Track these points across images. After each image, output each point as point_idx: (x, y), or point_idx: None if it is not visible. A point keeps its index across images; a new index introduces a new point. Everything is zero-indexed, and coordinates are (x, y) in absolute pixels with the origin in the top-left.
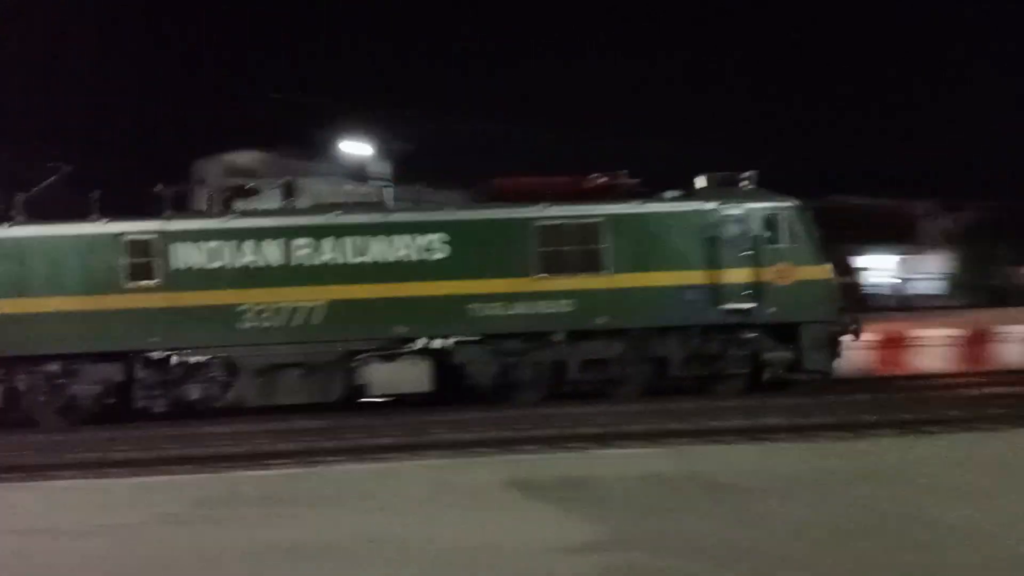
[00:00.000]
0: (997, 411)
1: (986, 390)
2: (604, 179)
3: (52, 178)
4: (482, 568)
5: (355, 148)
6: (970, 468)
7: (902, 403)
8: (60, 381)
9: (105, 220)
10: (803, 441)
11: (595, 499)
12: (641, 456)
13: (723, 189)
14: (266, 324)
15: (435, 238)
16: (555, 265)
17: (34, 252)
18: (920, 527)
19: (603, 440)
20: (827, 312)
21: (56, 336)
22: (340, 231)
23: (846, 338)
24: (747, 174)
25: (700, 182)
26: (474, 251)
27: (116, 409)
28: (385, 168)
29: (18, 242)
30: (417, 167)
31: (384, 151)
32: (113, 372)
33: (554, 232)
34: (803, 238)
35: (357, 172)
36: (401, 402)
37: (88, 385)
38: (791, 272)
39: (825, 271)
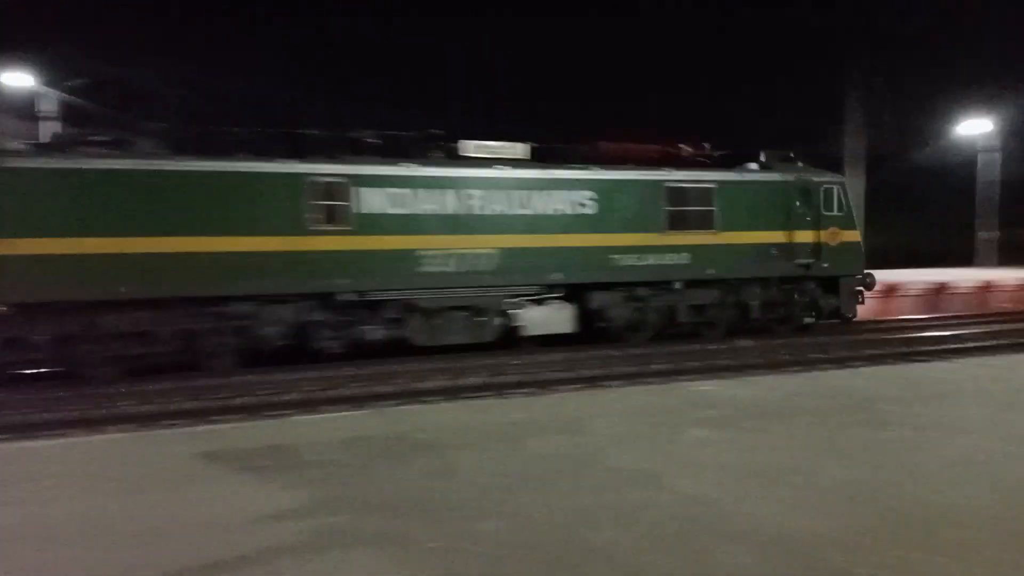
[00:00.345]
0: (658, 367)
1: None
2: (707, 148)
3: None
4: (181, 544)
5: (18, 80)
6: (640, 417)
7: (585, 362)
8: (247, 322)
9: (298, 161)
10: (501, 398)
11: (298, 465)
12: (345, 419)
13: (790, 164)
14: (442, 269)
15: (586, 195)
16: (678, 223)
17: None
18: (602, 471)
19: (308, 406)
20: (858, 268)
21: (252, 277)
22: (507, 185)
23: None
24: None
25: (763, 157)
26: (617, 208)
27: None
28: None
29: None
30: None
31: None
32: (297, 314)
33: (679, 193)
34: (845, 207)
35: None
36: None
37: (275, 327)
38: (838, 235)
39: (857, 235)
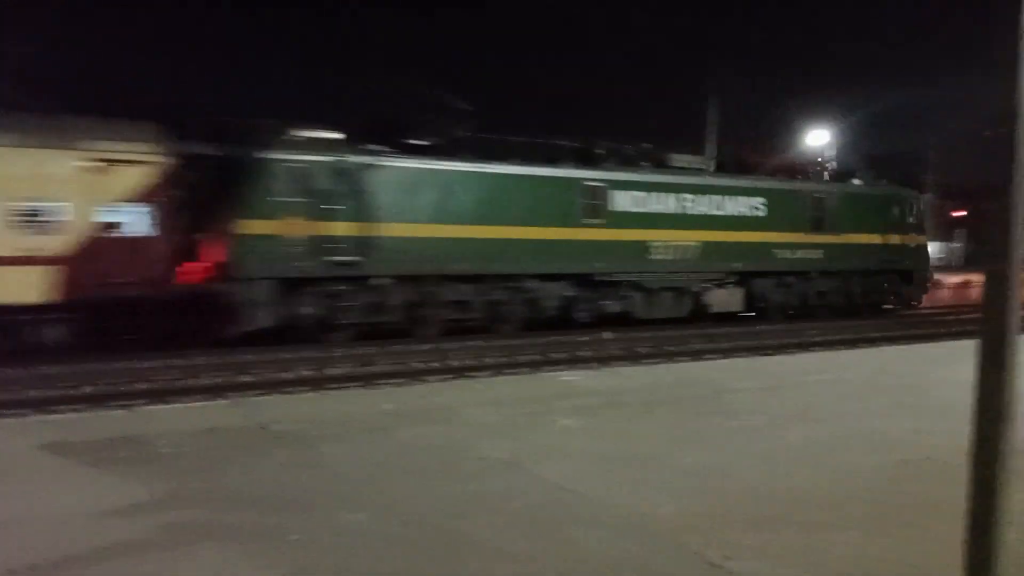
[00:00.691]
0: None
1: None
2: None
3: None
4: (16, 541)
5: None
6: (509, 407)
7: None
8: (532, 295)
9: (570, 167)
10: (368, 388)
11: (150, 457)
12: (201, 410)
13: (881, 180)
14: (662, 257)
15: (759, 200)
16: (816, 225)
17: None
18: (471, 460)
19: (159, 396)
20: (927, 265)
21: (541, 259)
22: (708, 190)
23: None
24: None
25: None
26: (778, 211)
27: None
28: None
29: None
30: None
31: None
32: (564, 289)
33: (818, 202)
34: (921, 215)
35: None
36: None
37: (551, 300)
38: (916, 238)
39: (925, 238)
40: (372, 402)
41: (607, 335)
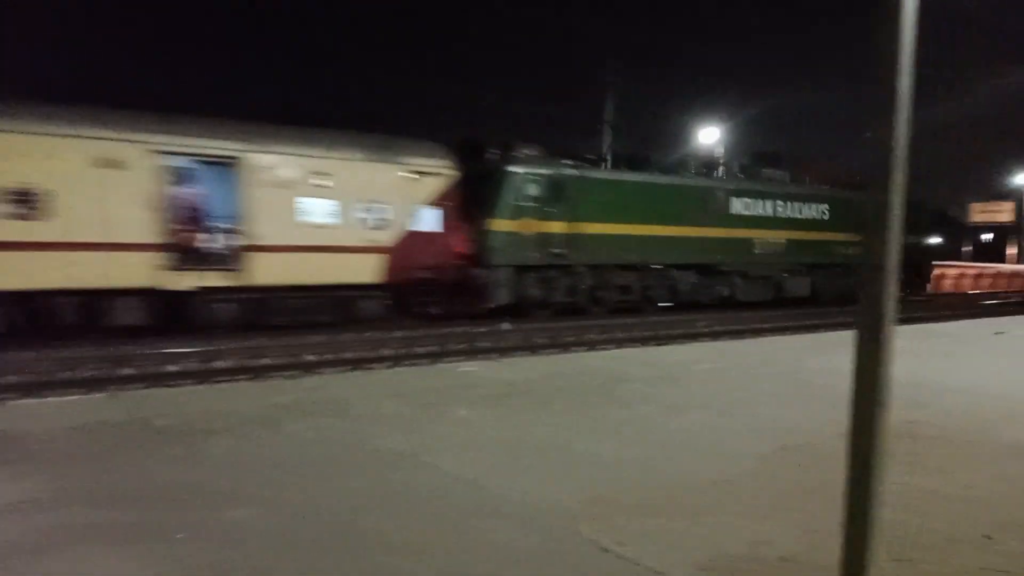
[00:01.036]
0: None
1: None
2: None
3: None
4: None
5: None
6: (406, 399)
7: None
8: (673, 281)
9: (691, 174)
10: (258, 381)
11: (21, 455)
12: (78, 404)
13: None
14: (760, 251)
15: (824, 207)
16: (860, 227)
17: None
18: (367, 453)
19: (32, 389)
20: (931, 260)
21: (682, 252)
22: (791, 197)
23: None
24: None
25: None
26: (837, 215)
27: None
28: None
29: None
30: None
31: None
32: (692, 277)
33: (860, 207)
34: (927, 219)
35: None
36: None
37: (684, 285)
38: (931, 237)
39: (931, 238)
40: (262, 395)
41: (505, 326)
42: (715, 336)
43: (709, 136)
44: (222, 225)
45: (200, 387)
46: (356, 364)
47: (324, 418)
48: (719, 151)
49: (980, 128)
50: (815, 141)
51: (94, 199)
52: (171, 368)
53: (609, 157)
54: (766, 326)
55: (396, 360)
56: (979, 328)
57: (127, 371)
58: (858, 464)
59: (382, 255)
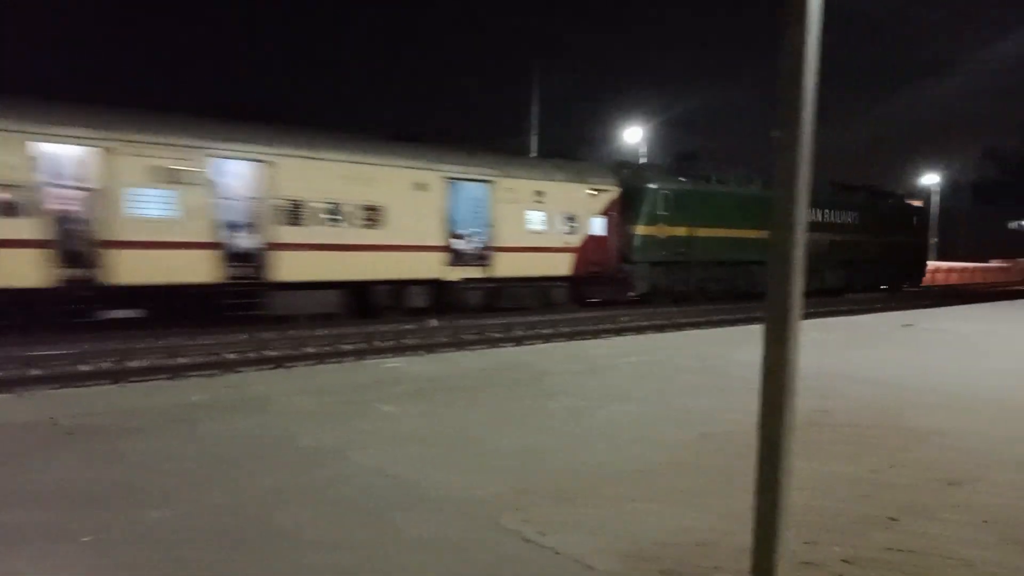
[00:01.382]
0: (382, 344)
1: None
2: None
3: None
4: None
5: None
6: (330, 396)
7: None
8: (751, 278)
9: (758, 185)
10: (176, 380)
11: None
12: None
13: (901, 195)
14: (814, 251)
15: (855, 213)
16: (877, 228)
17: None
18: (289, 451)
19: None
20: (925, 257)
21: (757, 252)
22: (837, 205)
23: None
24: None
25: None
26: (866, 219)
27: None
28: None
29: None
30: None
31: None
32: (737, 273)
33: (882, 211)
34: (924, 222)
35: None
36: None
37: (747, 280)
38: (927, 238)
39: (926, 238)
40: (179, 394)
41: (433, 322)
42: (640, 330)
43: (634, 135)
44: (477, 231)
45: (114, 387)
46: (279, 362)
47: (244, 416)
48: (642, 150)
49: (894, 131)
50: (732, 140)
51: (410, 213)
52: (84, 368)
53: (713, 175)
54: (688, 320)
55: (320, 358)
56: (888, 320)
57: (36, 372)
58: (767, 450)
59: (571, 254)
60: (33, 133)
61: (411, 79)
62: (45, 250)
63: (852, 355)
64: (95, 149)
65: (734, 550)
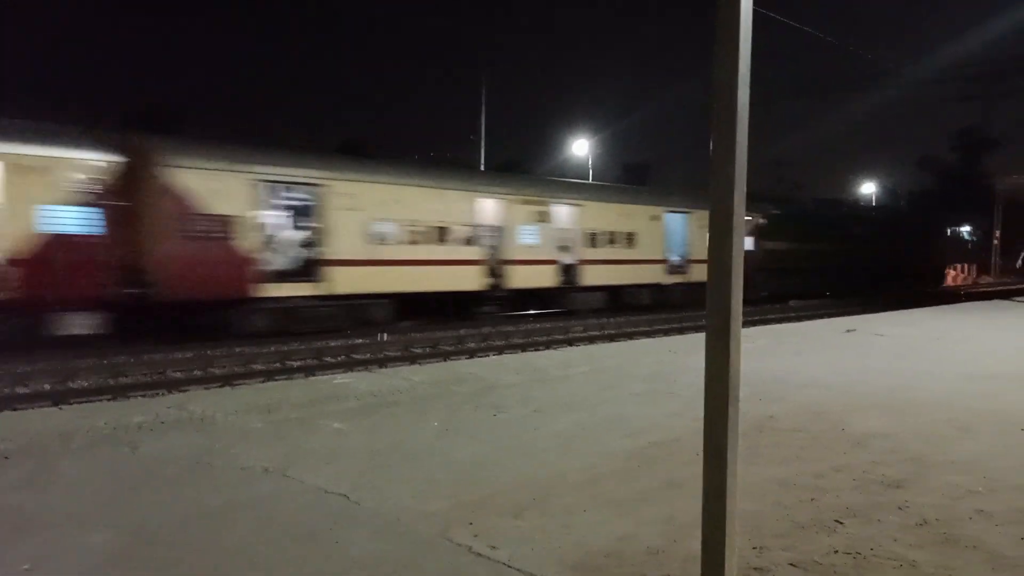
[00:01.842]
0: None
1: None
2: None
3: None
4: None
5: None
6: (277, 413)
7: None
8: (817, 276)
9: (820, 209)
10: (118, 400)
11: None
12: None
13: (898, 209)
14: (813, 263)
15: (875, 228)
16: (860, 241)
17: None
18: (233, 470)
19: None
20: (941, 262)
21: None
22: (833, 222)
23: None
24: None
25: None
26: (856, 236)
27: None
28: None
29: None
30: None
31: None
32: (823, 274)
33: (862, 226)
34: (928, 232)
35: None
36: None
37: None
38: (929, 244)
39: (932, 245)
40: (121, 414)
41: (384, 337)
42: (591, 340)
43: (581, 147)
44: (680, 251)
45: (53, 409)
46: (226, 380)
47: (187, 436)
48: (589, 161)
49: (834, 141)
50: (677, 150)
51: (648, 236)
52: (22, 390)
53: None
54: (638, 329)
55: (269, 375)
56: (832, 326)
57: None
58: (714, 456)
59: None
60: (478, 192)
61: (357, 91)
62: (482, 266)
63: (797, 360)
64: (504, 201)
65: (684, 557)
